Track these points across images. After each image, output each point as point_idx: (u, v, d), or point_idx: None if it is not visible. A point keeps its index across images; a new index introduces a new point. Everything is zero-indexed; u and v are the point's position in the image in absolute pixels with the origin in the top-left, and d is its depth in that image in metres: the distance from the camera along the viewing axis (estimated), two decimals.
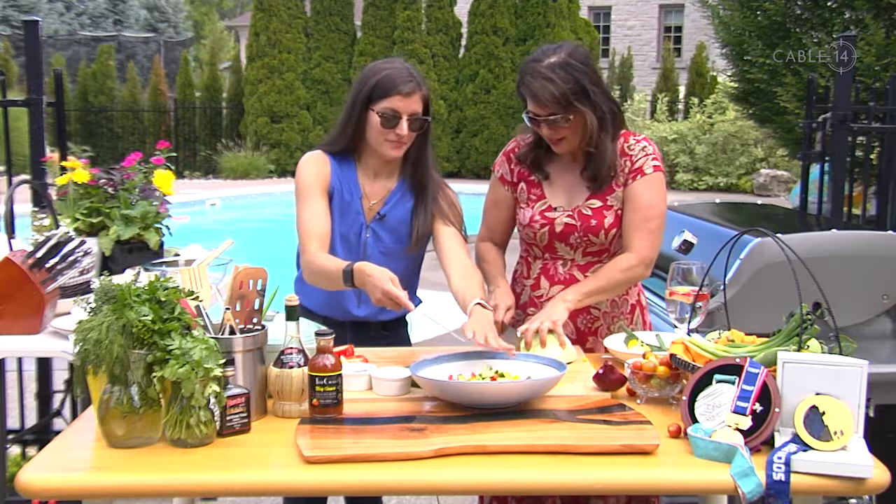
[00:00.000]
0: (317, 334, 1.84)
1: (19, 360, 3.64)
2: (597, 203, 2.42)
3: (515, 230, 2.59)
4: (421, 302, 2.55)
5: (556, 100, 2.26)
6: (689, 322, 2.16)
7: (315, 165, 2.46)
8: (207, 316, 1.88)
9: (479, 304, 2.23)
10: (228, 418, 1.74)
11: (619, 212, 2.42)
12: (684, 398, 1.77)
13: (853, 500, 2.44)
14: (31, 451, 3.49)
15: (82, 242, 2.63)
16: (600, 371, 2.02)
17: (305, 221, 2.41)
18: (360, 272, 2.22)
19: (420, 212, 2.47)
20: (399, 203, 2.48)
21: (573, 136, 2.35)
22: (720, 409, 1.72)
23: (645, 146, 2.42)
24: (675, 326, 2.20)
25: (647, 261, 2.38)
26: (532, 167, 2.49)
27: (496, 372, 2.00)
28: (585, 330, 2.49)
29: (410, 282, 2.55)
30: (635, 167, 2.40)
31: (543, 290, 2.48)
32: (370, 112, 2.36)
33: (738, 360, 1.76)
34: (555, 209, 2.44)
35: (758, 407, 1.69)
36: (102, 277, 1.77)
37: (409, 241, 2.47)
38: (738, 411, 1.69)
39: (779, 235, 1.95)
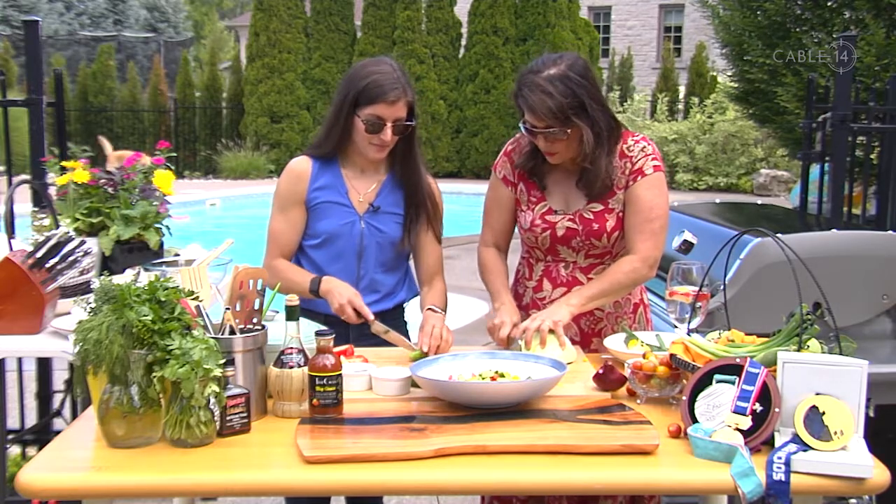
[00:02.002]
0: (317, 334, 1.84)
1: (19, 360, 3.64)
2: (598, 207, 2.41)
3: (516, 230, 2.59)
4: (418, 294, 2.58)
5: (553, 114, 2.24)
6: (689, 322, 2.16)
7: (292, 176, 2.51)
8: (207, 316, 1.88)
9: (430, 309, 2.41)
10: (228, 418, 1.74)
11: (621, 214, 2.41)
12: (684, 398, 1.77)
13: (853, 500, 2.44)
14: (31, 451, 3.49)
15: (82, 242, 2.62)
16: (600, 371, 2.02)
17: (273, 231, 2.53)
18: (326, 282, 2.40)
19: (412, 211, 2.50)
20: (391, 193, 2.51)
21: (568, 149, 2.34)
22: (720, 409, 1.71)
23: (644, 146, 2.41)
24: (675, 326, 2.20)
25: (650, 261, 2.37)
26: (529, 176, 2.48)
27: (496, 372, 2.00)
28: (589, 331, 2.48)
29: (405, 272, 2.61)
30: (635, 168, 2.39)
31: (546, 292, 2.48)
32: (355, 117, 2.38)
33: (738, 360, 1.76)
34: (555, 212, 2.44)
35: (758, 407, 1.69)
36: (102, 277, 1.77)
37: (402, 236, 2.50)
38: (738, 411, 1.69)
39: (779, 235, 1.95)
